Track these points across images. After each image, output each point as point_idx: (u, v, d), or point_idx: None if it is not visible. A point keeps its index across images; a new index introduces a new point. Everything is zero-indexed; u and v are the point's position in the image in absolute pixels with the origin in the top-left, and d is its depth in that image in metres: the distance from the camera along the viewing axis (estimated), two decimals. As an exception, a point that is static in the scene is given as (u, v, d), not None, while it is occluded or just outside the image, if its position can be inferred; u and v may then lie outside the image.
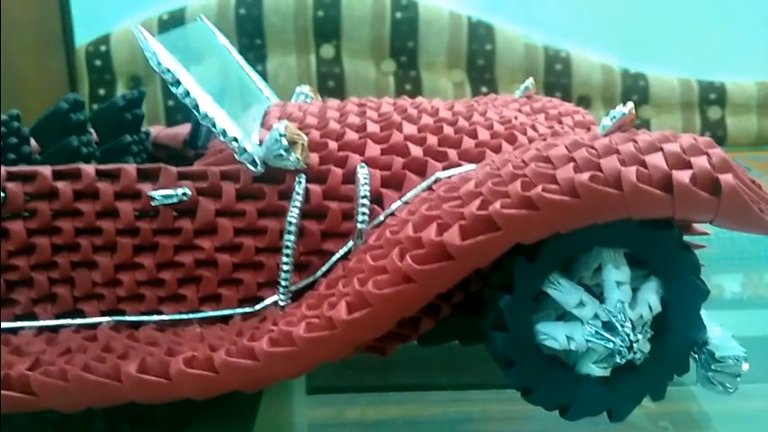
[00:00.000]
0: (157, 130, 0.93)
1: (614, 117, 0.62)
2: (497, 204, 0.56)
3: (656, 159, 0.56)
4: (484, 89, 1.27)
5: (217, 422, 0.70)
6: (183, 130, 0.93)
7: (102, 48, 1.27)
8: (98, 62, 1.27)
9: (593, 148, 0.59)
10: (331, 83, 1.18)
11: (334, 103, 0.82)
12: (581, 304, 0.61)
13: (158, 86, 1.26)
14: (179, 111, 1.31)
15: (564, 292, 0.61)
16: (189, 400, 0.62)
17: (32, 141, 0.84)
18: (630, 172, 0.55)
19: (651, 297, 0.62)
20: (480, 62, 1.27)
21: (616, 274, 0.60)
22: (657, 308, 0.62)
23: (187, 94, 0.65)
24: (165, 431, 0.72)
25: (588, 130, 0.82)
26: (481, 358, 0.67)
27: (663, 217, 0.57)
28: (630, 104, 0.62)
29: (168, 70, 0.65)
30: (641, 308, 0.61)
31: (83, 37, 1.29)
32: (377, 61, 1.26)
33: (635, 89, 1.28)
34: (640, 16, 1.30)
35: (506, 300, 0.60)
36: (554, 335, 0.61)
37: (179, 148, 0.92)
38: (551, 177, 0.57)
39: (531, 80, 0.97)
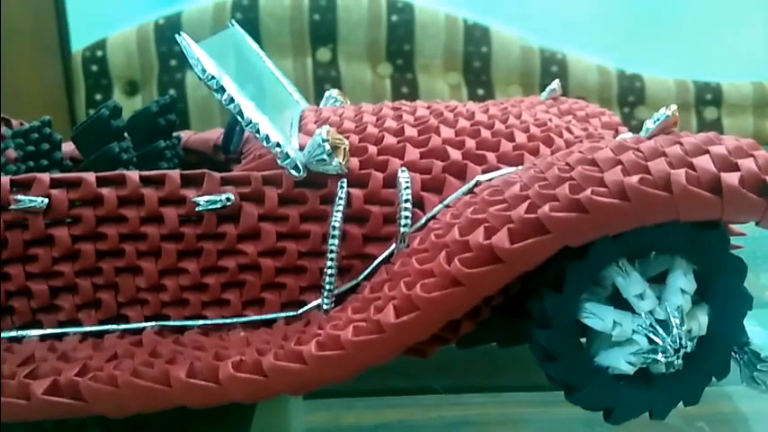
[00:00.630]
0: (187, 135, 0.93)
1: (657, 120, 0.63)
2: (546, 208, 0.57)
3: (704, 162, 0.56)
4: (480, 92, 1.27)
5: (213, 428, 0.70)
6: (213, 135, 0.94)
7: (99, 53, 1.27)
8: (94, 67, 1.27)
9: (639, 150, 0.59)
10: (327, 86, 1.18)
11: (368, 107, 0.82)
12: (642, 296, 0.61)
13: (154, 91, 1.27)
14: (176, 115, 1.31)
15: (629, 279, 0.61)
16: (184, 407, 0.62)
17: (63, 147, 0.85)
18: (680, 174, 0.55)
19: (681, 281, 0.62)
20: (476, 64, 1.27)
21: (683, 282, 0.61)
22: (692, 286, 0.62)
23: (231, 100, 0.66)
24: None
25: (616, 131, 0.82)
26: (478, 361, 0.67)
27: (709, 219, 0.58)
28: (674, 107, 0.63)
29: (212, 77, 0.65)
30: (674, 298, 0.62)
31: (79, 42, 1.30)
32: (373, 64, 1.27)
33: (631, 90, 1.29)
34: (636, 18, 1.30)
35: (553, 297, 0.61)
36: (601, 315, 0.61)
37: (209, 152, 0.93)
38: (599, 180, 0.57)
39: (557, 82, 0.98)
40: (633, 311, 0.61)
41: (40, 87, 1.22)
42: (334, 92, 0.96)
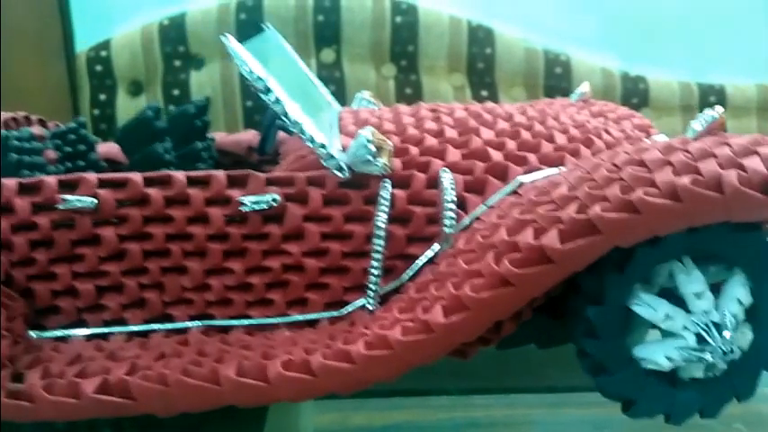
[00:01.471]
0: (220, 137, 0.94)
1: (705, 121, 0.63)
2: (597, 208, 0.57)
3: (755, 162, 0.56)
4: (484, 93, 1.27)
5: (226, 428, 0.70)
6: (246, 136, 0.94)
7: (103, 53, 1.27)
8: (99, 67, 1.27)
9: (687, 151, 0.59)
10: (331, 87, 1.18)
11: (405, 108, 0.83)
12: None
13: (159, 92, 1.27)
14: None
15: (691, 277, 0.61)
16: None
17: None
18: (731, 175, 0.55)
19: (739, 291, 0.62)
20: (480, 66, 1.27)
21: (741, 292, 0.61)
22: (748, 299, 0.62)
23: (277, 101, 0.66)
24: None
25: (647, 133, 0.83)
26: (486, 363, 0.68)
27: (759, 220, 0.58)
28: (720, 108, 0.63)
29: (259, 78, 0.66)
30: (730, 305, 0.62)
31: (83, 42, 1.30)
32: (377, 65, 1.26)
33: (635, 92, 1.29)
34: (640, 19, 1.30)
35: (614, 276, 0.61)
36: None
37: (242, 153, 0.93)
38: (650, 181, 0.57)
39: (587, 85, 0.98)
40: (686, 310, 0.61)
41: (45, 87, 1.23)
42: (366, 93, 0.97)
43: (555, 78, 1.28)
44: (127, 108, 1.26)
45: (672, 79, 1.31)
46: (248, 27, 1.23)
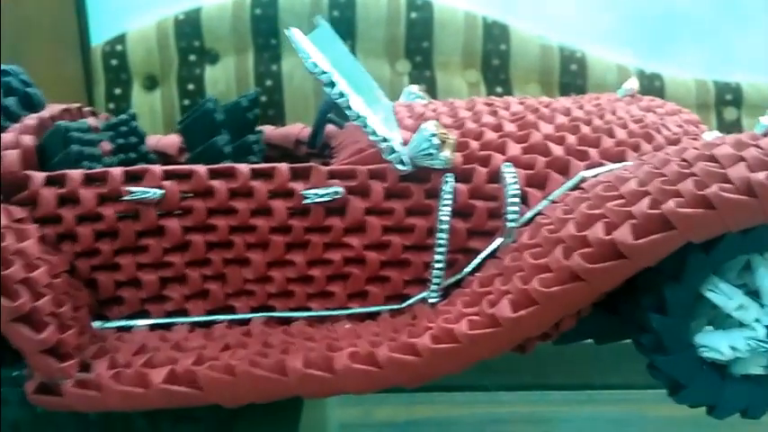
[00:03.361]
0: (269, 130, 0.94)
1: (775, 116, 0.62)
2: (671, 203, 0.57)
3: (829, 159, 0.56)
4: (499, 89, 1.27)
5: (260, 423, 0.70)
6: (294, 129, 0.94)
7: (118, 47, 1.28)
8: (114, 61, 1.27)
9: (759, 147, 0.59)
10: None
11: (460, 102, 0.82)
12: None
13: (174, 86, 1.27)
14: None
15: (723, 294, 0.61)
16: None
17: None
18: (808, 171, 0.55)
19: None
20: (495, 62, 1.26)
21: None
22: None
23: (342, 94, 0.66)
24: (206, 430, 0.72)
25: (697, 127, 0.82)
26: (510, 360, 0.67)
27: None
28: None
29: (324, 72, 0.66)
30: None
31: (98, 36, 1.31)
32: (392, 61, 1.26)
33: (651, 90, 1.28)
34: (656, 16, 1.29)
35: (672, 287, 0.61)
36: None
37: (291, 147, 0.93)
38: (723, 176, 0.57)
39: (634, 81, 0.98)
40: (760, 304, 0.61)
41: (60, 81, 1.23)
42: (414, 87, 0.97)
43: (570, 75, 1.27)
44: (141, 102, 1.27)
45: (688, 77, 1.30)
46: (263, 22, 1.23)
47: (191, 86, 1.27)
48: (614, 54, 1.29)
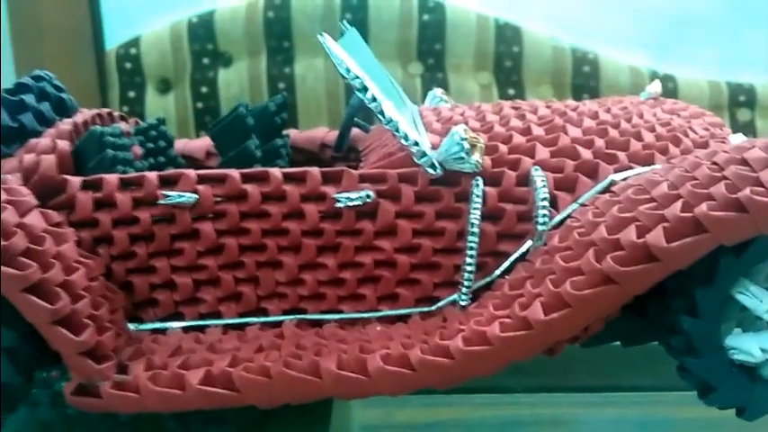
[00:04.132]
0: (294, 134, 0.95)
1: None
2: (703, 207, 0.57)
3: None
4: (511, 91, 1.27)
5: (292, 424, 0.71)
6: (319, 133, 0.95)
7: (133, 50, 1.29)
8: (128, 65, 1.29)
9: (790, 151, 0.59)
10: None
11: (487, 106, 0.83)
12: None
13: (187, 89, 1.28)
14: (207, 113, 1.32)
15: (753, 297, 0.61)
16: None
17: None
18: (841, 175, 0.55)
19: None
20: (507, 64, 1.26)
21: None
22: None
23: (374, 99, 0.67)
24: (236, 431, 0.73)
25: (722, 130, 0.82)
26: (535, 361, 0.68)
27: None
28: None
29: (356, 77, 0.67)
30: None
31: (113, 40, 1.32)
32: (404, 63, 1.27)
33: (664, 91, 1.27)
34: (669, 18, 1.29)
35: (703, 290, 0.61)
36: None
37: (316, 150, 0.94)
38: (755, 180, 0.57)
39: (658, 84, 0.98)
40: None
41: (75, 84, 1.25)
42: (438, 91, 0.97)
43: (583, 77, 1.27)
44: (155, 105, 1.28)
45: (701, 78, 1.30)
46: (276, 25, 1.24)
47: (204, 89, 1.28)
48: (627, 55, 1.29)
